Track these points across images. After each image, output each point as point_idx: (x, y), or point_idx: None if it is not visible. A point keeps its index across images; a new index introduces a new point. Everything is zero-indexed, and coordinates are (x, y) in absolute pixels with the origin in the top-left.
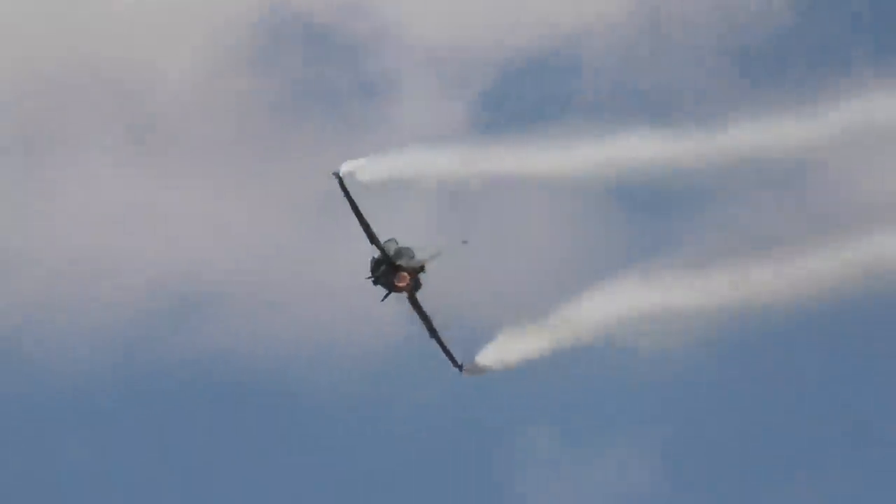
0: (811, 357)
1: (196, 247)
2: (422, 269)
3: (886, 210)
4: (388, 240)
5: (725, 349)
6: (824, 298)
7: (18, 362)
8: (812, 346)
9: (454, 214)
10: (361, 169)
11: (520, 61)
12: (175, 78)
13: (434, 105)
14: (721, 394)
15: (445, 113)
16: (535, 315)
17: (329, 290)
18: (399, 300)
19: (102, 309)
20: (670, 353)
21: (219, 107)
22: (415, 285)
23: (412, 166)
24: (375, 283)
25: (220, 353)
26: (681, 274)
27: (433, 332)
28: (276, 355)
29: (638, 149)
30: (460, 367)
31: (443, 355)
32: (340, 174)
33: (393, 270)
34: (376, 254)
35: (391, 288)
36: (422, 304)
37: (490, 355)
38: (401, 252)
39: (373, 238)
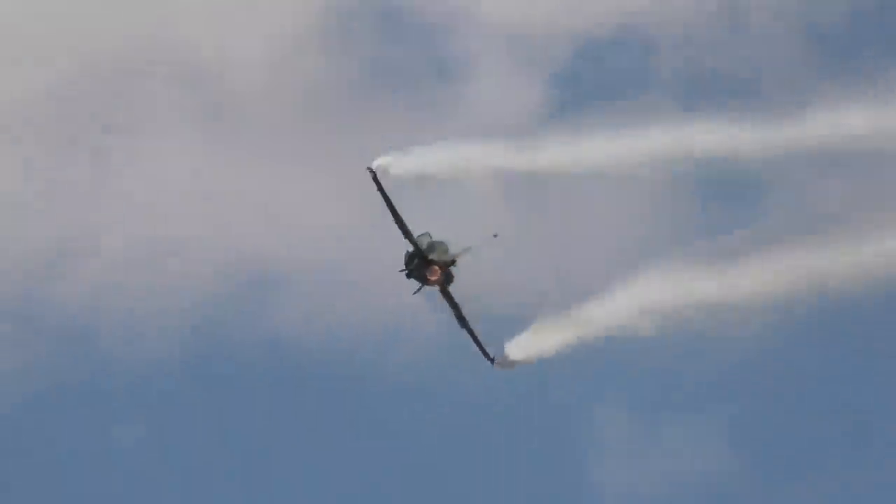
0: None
1: (265, 230)
2: (453, 262)
3: None
4: (422, 234)
5: (792, 333)
6: None
7: (88, 347)
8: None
9: (513, 203)
10: (397, 162)
11: (594, 41)
12: (246, 61)
13: (508, 85)
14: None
15: (519, 93)
16: (586, 300)
17: (398, 273)
18: (432, 293)
19: (170, 293)
20: (732, 340)
21: (290, 89)
22: (446, 279)
23: (463, 158)
24: (409, 276)
25: (287, 336)
26: (743, 260)
27: (464, 324)
28: (343, 337)
29: (712, 132)
30: (492, 360)
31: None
32: (374, 168)
33: (425, 264)
34: (411, 247)
35: (424, 281)
36: (454, 297)
37: (523, 346)
38: (433, 246)
39: (406, 233)
